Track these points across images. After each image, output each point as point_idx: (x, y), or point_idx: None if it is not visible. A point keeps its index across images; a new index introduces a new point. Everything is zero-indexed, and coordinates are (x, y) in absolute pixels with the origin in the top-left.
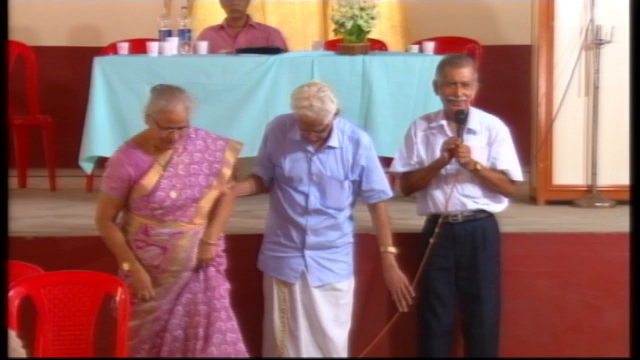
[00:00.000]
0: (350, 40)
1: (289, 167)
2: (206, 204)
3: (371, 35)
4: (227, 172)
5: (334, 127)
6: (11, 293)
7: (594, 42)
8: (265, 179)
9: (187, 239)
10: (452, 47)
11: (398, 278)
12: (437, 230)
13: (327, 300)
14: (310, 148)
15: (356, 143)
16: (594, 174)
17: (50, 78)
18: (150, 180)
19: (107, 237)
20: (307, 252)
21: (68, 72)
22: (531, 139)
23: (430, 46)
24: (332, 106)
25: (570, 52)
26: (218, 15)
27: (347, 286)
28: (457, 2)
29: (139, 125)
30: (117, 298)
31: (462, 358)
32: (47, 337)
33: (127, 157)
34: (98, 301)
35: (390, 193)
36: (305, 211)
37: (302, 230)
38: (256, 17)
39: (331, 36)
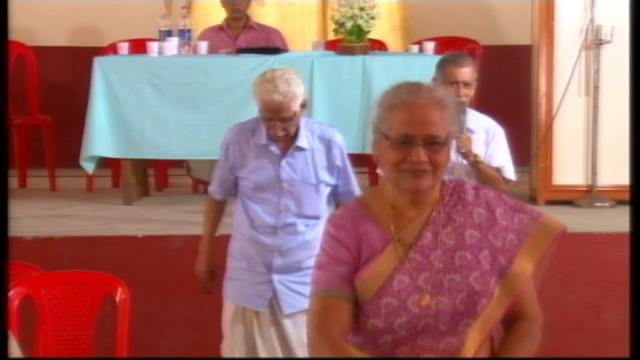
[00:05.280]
0: (350, 40)
1: (255, 176)
2: (481, 329)
3: (371, 35)
4: (524, 273)
5: (302, 126)
6: (11, 293)
7: (594, 42)
8: (223, 198)
9: None
10: (452, 47)
11: None
12: None
13: (302, 329)
14: (278, 152)
15: (328, 143)
16: (594, 174)
17: (50, 78)
18: (379, 270)
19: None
20: (275, 277)
21: (68, 72)
22: (531, 139)
23: (430, 46)
24: (300, 90)
25: (570, 52)
26: (218, 16)
27: None
28: (457, 2)
29: (139, 125)
30: (117, 298)
31: (463, 358)
32: (47, 337)
33: (346, 226)
34: (98, 301)
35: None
36: (273, 229)
37: (269, 251)
38: (255, 17)
39: (331, 36)
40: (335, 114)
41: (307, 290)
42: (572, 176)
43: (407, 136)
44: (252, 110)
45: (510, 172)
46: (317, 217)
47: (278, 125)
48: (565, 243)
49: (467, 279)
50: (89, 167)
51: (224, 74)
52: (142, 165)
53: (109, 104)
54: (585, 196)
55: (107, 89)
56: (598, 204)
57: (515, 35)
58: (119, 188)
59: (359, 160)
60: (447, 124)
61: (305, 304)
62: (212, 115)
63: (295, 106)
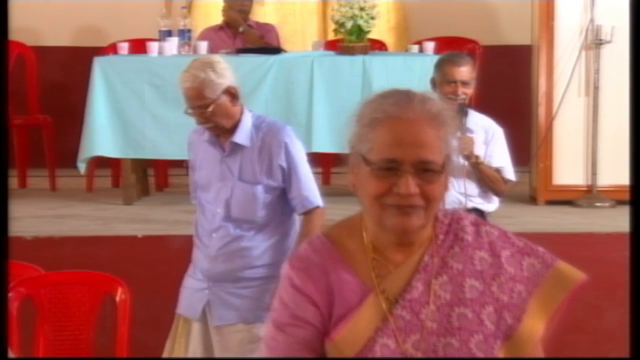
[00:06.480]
0: (350, 40)
1: (199, 175)
2: None
3: (371, 35)
4: (534, 336)
5: (245, 121)
6: (11, 293)
7: (594, 42)
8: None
9: None
10: (452, 47)
11: None
12: None
13: (231, 347)
14: (215, 146)
15: (272, 141)
16: (594, 174)
17: (50, 78)
18: (356, 330)
19: None
20: (209, 285)
21: (68, 72)
22: (531, 139)
23: (430, 46)
24: (215, 77)
25: (570, 52)
26: (218, 16)
27: None
28: (457, 2)
29: (139, 125)
30: (117, 298)
31: (461, 358)
32: (47, 337)
33: (312, 273)
34: (98, 301)
35: (319, 202)
36: (209, 232)
37: (206, 256)
38: (255, 17)
39: (331, 36)
40: (335, 114)
41: (241, 303)
42: (572, 176)
43: (392, 161)
44: (252, 111)
45: (509, 173)
46: (249, 222)
47: (198, 114)
48: (565, 243)
49: (467, 344)
50: (81, 167)
51: None
52: (142, 165)
53: (108, 103)
54: (585, 196)
55: (107, 89)
56: (598, 204)
57: (515, 35)
58: (119, 188)
59: None
60: (445, 145)
61: (236, 318)
62: None
63: (212, 93)
